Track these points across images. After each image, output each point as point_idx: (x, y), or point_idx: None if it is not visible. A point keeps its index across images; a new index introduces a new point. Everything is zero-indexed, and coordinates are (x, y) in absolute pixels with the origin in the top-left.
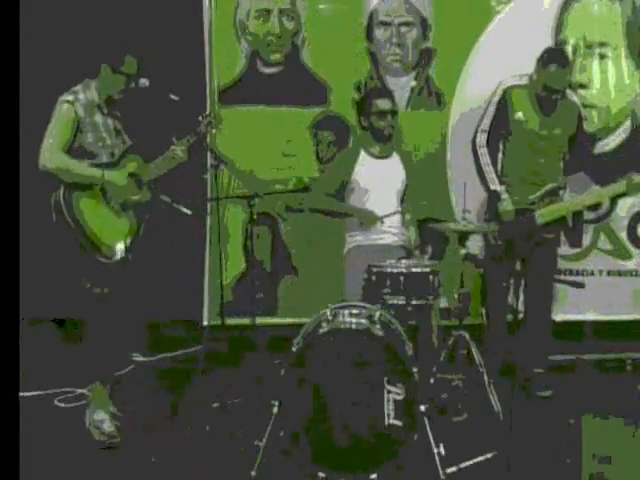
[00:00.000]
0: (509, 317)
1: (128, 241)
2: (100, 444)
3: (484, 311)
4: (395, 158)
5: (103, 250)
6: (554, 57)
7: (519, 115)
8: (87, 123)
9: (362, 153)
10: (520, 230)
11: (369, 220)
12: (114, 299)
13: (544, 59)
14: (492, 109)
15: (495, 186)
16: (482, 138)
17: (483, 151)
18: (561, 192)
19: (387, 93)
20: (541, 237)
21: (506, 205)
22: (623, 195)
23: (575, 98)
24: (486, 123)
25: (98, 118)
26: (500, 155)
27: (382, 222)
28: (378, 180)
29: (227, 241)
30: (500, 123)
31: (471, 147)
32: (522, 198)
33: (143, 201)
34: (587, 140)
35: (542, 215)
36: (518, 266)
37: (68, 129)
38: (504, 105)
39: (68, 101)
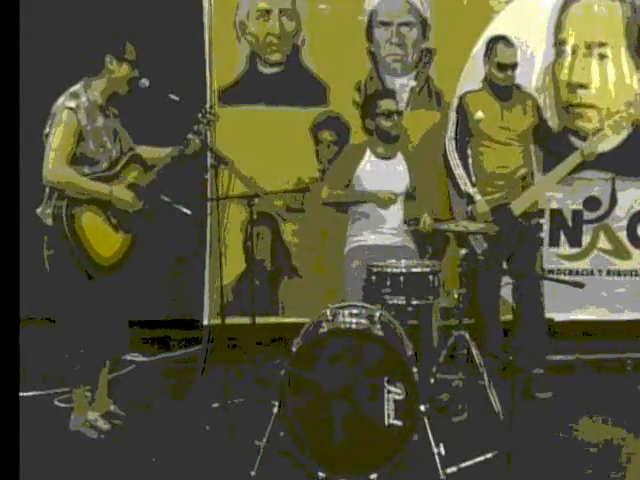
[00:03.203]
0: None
1: None
2: (98, 441)
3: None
4: (399, 158)
5: (98, 262)
6: (498, 39)
7: (479, 114)
8: (89, 130)
9: (368, 151)
10: (502, 226)
11: (387, 201)
12: (112, 299)
13: (489, 45)
14: (453, 117)
15: (467, 188)
16: (451, 144)
17: (453, 155)
18: (528, 179)
19: (390, 93)
20: (523, 226)
21: (480, 207)
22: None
23: (530, 91)
24: (452, 130)
25: (100, 121)
26: (470, 161)
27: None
28: (382, 180)
29: (227, 241)
30: (463, 128)
31: (442, 158)
32: (497, 196)
33: (137, 211)
34: (550, 131)
35: (517, 206)
36: (504, 264)
37: (72, 139)
38: (462, 110)
39: (70, 108)
